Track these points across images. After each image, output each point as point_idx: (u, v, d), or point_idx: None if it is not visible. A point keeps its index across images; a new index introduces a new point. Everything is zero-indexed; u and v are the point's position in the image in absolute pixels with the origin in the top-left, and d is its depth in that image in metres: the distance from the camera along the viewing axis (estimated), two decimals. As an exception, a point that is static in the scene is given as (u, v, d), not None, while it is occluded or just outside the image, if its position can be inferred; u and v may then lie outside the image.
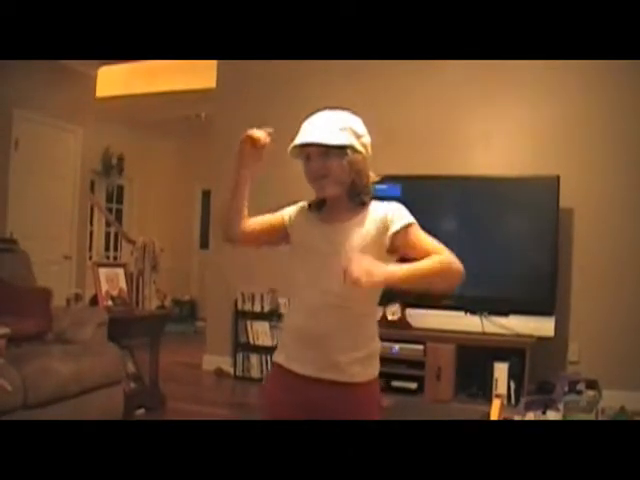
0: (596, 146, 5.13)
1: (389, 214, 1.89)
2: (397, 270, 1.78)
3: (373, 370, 1.96)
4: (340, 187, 1.91)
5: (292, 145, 1.91)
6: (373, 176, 1.96)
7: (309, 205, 2.03)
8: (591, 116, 5.15)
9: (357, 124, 1.92)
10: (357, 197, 1.93)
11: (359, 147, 1.89)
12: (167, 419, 4.46)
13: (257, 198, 2.09)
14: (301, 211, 2.04)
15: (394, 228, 1.87)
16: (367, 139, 1.93)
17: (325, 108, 1.95)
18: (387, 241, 1.88)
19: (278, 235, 2.05)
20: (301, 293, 1.95)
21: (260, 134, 1.95)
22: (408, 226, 1.88)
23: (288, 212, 2.06)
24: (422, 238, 1.90)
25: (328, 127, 1.86)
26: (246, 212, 2.03)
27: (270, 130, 1.97)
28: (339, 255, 1.85)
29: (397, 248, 1.90)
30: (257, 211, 2.05)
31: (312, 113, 1.94)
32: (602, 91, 5.12)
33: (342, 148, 1.86)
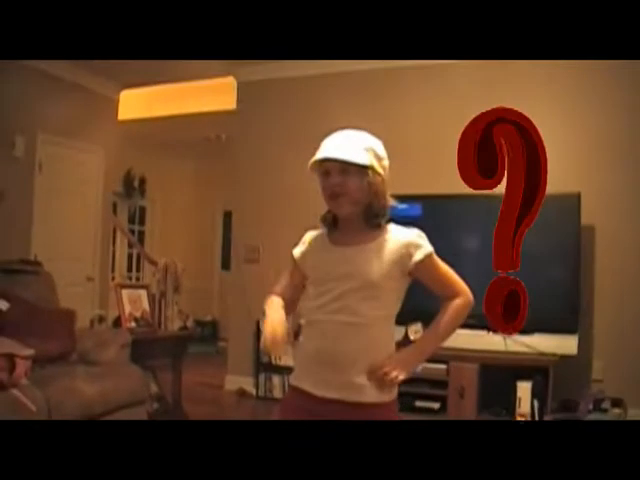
0: (617, 162, 5.10)
1: (413, 240, 1.91)
2: (428, 346, 2.04)
3: (391, 391, 1.94)
4: (356, 207, 1.92)
5: (313, 159, 1.92)
6: (390, 199, 1.97)
7: (322, 219, 2.04)
8: (612, 131, 5.13)
9: (378, 146, 1.94)
10: (374, 219, 1.93)
11: (379, 169, 1.91)
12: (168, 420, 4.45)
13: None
14: (311, 240, 2.06)
15: (418, 256, 1.89)
16: (387, 162, 1.96)
17: (345, 127, 1.96)
18: (409, 267, 1.90)
19: (299, 286, 2.10)
20: (316, 314, 1.94)
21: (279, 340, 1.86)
22: (429, 256, 1.91)
23: (298, 252, 2.08)
24: (440, 270, 1.96)
25: (351, 145, 1.88)
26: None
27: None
28: (357, 277, 1.87)
29: (416, 275, 1.93)
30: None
31: (332, 132, 1.96)
32: (623, 105, 5.09)
33: (363, 168, 1.87)
